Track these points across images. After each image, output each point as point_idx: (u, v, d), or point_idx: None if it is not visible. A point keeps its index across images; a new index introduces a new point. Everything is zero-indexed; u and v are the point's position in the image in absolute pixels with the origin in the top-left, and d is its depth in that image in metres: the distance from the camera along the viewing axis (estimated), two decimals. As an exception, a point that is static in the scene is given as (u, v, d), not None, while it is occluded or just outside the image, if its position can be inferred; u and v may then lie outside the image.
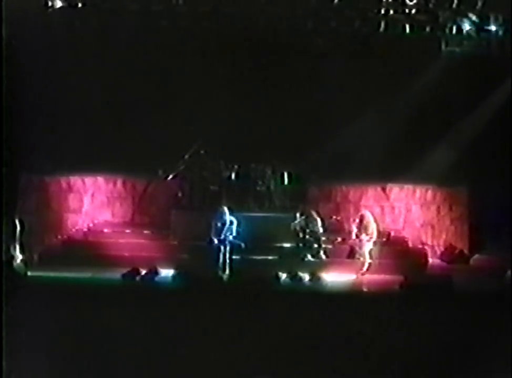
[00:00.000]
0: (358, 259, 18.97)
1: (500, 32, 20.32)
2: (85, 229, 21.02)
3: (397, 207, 21.90)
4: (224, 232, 18.42)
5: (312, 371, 11.54)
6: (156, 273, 17.13)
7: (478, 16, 20.18)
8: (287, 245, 19.49)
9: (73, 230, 21.03)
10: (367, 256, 18.78)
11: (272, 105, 21.24)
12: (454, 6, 19.88)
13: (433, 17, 20.36)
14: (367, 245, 18.85)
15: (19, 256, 17.72)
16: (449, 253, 20.48)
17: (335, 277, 18.15)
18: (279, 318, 12.78)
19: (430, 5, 20.01)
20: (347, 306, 13.63)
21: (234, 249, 18.41)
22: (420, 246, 20.79)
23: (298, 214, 19.51)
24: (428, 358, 11.89)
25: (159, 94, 21.05)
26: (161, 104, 21.08)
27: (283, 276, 17.36)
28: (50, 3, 19.94)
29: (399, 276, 16.87)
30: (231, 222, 18.49)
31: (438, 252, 20.89)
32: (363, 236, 18.83)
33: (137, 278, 16.88)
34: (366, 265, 18.59)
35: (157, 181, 21.36)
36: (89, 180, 21.63)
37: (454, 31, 20.62)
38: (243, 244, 18.40)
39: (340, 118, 20.66)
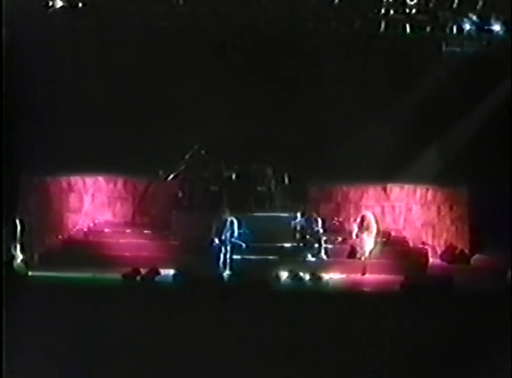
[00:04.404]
0: (359, 258, 19.01)
1: (501, 32, 20.31)
2: (85, 229, 21.03)
3: (397, 207, 21.93)
4: (224, 232, 18.45)
5: (313, 371, 11.54)
6: (157, 273, 17.13)
7: (478, 16, 20.16)
8: (287, 245, 19.49)
9: (74, 230, 21.04)
10: (368, 256, 18.82)
11: (272, 105, 21.24)
12: (454, 6, 19.85)
13: (433, 17, 20.34)
14: (368, 245, 18.89)
15: (19, 257, 17.74)
16: (449, 253, 20.48)
17: (335, 277, 18.17)
18: (280, 318, 12.78)
19: (431, 5, 19.99)
20: (347, 306, 13.63)
21: (235, 249, 18.44)
22: (420, 246, 20.78)
23: (298, 214, 19.53)
24: (429, 358, 11.89)
25: (159, 94, 21.04)
26: (161, 104, 21.07)
27: (284, 276, 17.41)
28: (50, 3, 19.92)
29: (400, 276, 16.90)
30: (232, 223, 18.51)
31: (439, 252, 20.89)
32: (364, 235, 18.88)
33: (138, 278, 16.89)
34: (367, 265, 18.63)
35: (158, 181, 21.38)
36: (89, 180, 21.65)
37: (454, 31, 20.61)
38: (243, 244, 18.42)
39: (341, 118, 20.64)
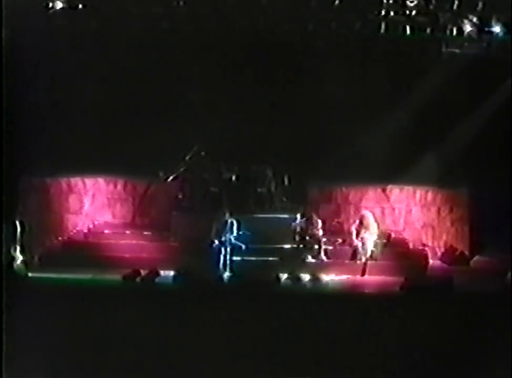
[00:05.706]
0: (359, 259, 18.99)
1: (501, 34, 20.31)
2: (85, 230, 21.00)
3: (397, 208, 21.90)
4: (224, 233, 18.43)
5: (313, 372, 11.55)
6: (157, 274, 17.13)
7: (478, 18, 20.16)
8: (287, 246, 19.45)
9: (74, 231, 21.00)
10: (368, 257, 18.82)
11: (272, 107, 21.24)
12: (454, 7, 19.83)
13: (433, 19, 20.31)
14: (368, 246, 18.88)
15: (19, 258, 17.73)
16: (449, 255, 20.45)
17: (335, 279, 18.17)
18: (280, 319, 12.80)
19: (431, 7, 19.97)
20: (347, 308, 13.66)
21: (235, 250, 18.41)
22: (420, 247, 20.74)
23: (298, 216, 19.52)
24: (429, 359, 11.90)
25: (159, 96, 21.04)
26: (161, 105, 21.07)
27: (284, 277, 17.40)
28: (50, 5, 19.92)
29: (400, 277, 16.90)
30: (232, 224, 18.51)
31: (439, 254, 20.84)
32: (365, 235, 18.88)
33: (138, 279, 16.89)
34: (367, 266, 18.63)
35: (158, 182, 21.35)
36: (89, 181, 21.62)
37: (454, 32, 20.59)
38: (243, 246, 18.41)
39: (341, 120, 20.63)
